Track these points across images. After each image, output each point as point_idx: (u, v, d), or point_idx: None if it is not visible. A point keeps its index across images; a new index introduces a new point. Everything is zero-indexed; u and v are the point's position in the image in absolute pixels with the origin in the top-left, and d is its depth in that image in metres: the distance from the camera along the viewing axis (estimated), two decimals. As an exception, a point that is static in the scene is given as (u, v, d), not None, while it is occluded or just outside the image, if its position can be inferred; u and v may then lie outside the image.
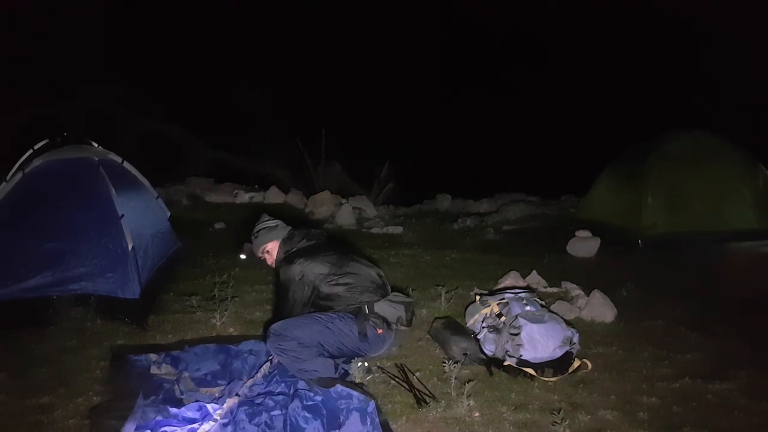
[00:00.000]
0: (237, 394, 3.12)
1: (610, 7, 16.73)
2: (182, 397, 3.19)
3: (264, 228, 3.98)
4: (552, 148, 14.46)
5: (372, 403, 2.99)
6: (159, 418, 2.92)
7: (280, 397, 3.08)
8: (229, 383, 3.32)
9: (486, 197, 10.96)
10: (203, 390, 3.31)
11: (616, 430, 3.05)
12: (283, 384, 3.25)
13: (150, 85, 14.52)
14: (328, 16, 18.51)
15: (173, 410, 2.99)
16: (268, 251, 3.95)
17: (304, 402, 2.97)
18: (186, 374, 3.40)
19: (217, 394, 3.24)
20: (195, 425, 2.86)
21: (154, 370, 3.48)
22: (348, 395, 3.05)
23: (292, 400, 2.99)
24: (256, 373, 3.32)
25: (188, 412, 2.98)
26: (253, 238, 3.99)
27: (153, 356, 3.62)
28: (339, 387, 3.09)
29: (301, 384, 3.17)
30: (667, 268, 6.13)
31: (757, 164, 7.28)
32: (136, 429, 2.81)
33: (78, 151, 5.43)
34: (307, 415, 2.87)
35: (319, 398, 3.01)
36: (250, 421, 2.86)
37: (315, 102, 15.39)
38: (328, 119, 12.71)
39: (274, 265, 3.95)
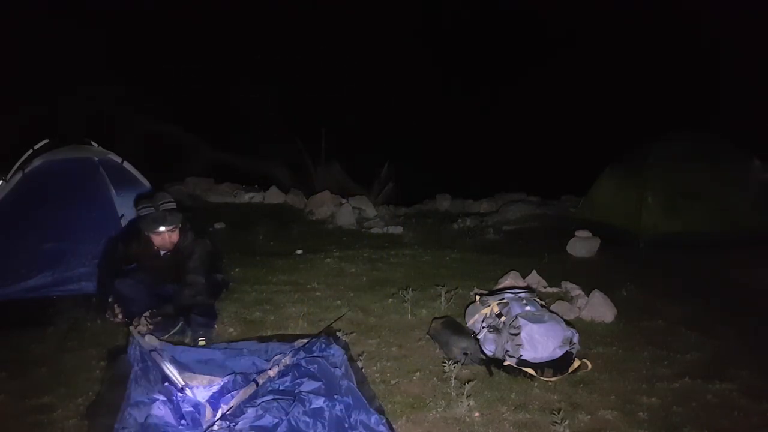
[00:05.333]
0: (234, 398, 3.08)
1: (610, 6, 16.73)
2: (183, 388, 3.16)
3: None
4: (552, 148, 14.45)
5: (384, 419, 2.96)
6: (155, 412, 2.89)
7: (282, 402, 3.04)
8: (226, 383, 3.28)
9: (486, 197, 10.94)
10: (187, 375, 3.25)
11: (616, 430, 3.06)
12: (283, 388, 3.21)
13: (150, 85, 14.52)
14: (328, 16, 18.51)
15: (171, 406, 2.96)
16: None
17: (307, 406, 2.94)
18: (169, 355, 3.38)
19: (206, 383, 3.21)
20: None
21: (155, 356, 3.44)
22: (357, 406, 2.99)
23: (294, 405, 2.95)
24: (256, 377, 3.28)
25: (187, 405, 2.96)
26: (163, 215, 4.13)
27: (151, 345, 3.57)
28: (350, 397, 3.04)
29: (304, 387, 3.14)
30: (667, 268, 6.13)
31: (758, 164, 7.29)
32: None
33: (78, 151, 5.44)
34: (308, 419, 2.85)
35: (322, 403, 2.96)
36: (250, 426, 2.83)
37: (315, 102, 15.39)
38: (328, 119, 12.71)
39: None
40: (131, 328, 3.61)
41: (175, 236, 4.22)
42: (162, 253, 4.29)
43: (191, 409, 2.98)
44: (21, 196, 4.92)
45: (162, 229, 4.14)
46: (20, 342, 3.94)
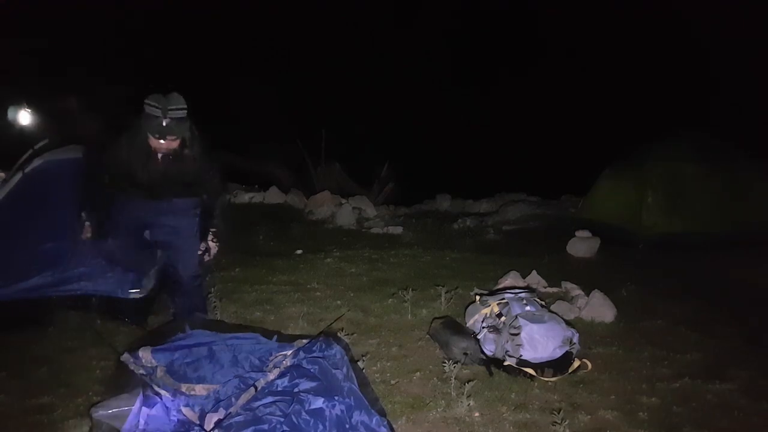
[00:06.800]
0: (233, 401, 3.06)
1: (609, 5, 16.75)
2: (182, 399, 3.16)
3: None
4: (552, 148, 14.47)
5: (385, 420, 2.95)
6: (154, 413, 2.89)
7: (281, 403, 3.02)
8: (224, 388, 3.25)
9: (486, 197, 10.96)
10: (184, 386, 3.24)
11: (616, 430, 3.06)
12: (281, 388, 3.18)
13: (149, 84, 14.51)
14: (329, 16, 18.52)
15: (172, 413, 2.95)
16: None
17: (306, 406, 2.92)
18: (163, 368, 3.36)
19: (196, 392, 3.20)
20: None
21: (157, 374, 3.44)
22: (359, 407, 2.97)
23: (293, 405, 2.93)
24: (254, 382, 3.25)
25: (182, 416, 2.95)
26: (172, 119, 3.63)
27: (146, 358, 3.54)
28: (352, 398, 3.02)
29: (302, 386, 3.11)
30: (667, 268, 6.14)
31: (757, 164, 7.30)
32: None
33: (79, 151, 5.42)
34: (308, 419, 2.84)
35: (321, 403, 2.94)
36: (250, 427, 2.81)
37: (315, 102, 15.40)
38: (328, 119, 12.72)
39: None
40: (122, 357, 3.52)
41: (174, 144, 3.80)
42: (159, 156, 3.86)
43: (189, 418, 2.97)
44: (21, 196, 4.90)
45: (161, 140, 3.75)
46: (20, 342, 3.94)
